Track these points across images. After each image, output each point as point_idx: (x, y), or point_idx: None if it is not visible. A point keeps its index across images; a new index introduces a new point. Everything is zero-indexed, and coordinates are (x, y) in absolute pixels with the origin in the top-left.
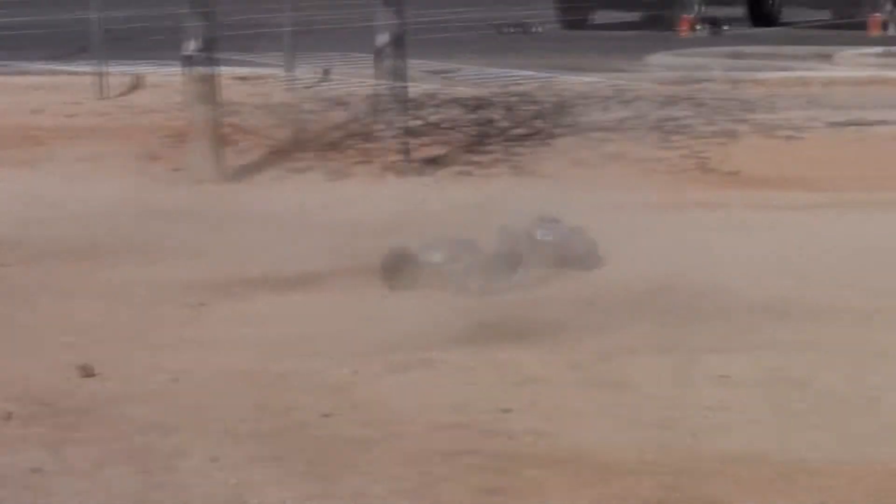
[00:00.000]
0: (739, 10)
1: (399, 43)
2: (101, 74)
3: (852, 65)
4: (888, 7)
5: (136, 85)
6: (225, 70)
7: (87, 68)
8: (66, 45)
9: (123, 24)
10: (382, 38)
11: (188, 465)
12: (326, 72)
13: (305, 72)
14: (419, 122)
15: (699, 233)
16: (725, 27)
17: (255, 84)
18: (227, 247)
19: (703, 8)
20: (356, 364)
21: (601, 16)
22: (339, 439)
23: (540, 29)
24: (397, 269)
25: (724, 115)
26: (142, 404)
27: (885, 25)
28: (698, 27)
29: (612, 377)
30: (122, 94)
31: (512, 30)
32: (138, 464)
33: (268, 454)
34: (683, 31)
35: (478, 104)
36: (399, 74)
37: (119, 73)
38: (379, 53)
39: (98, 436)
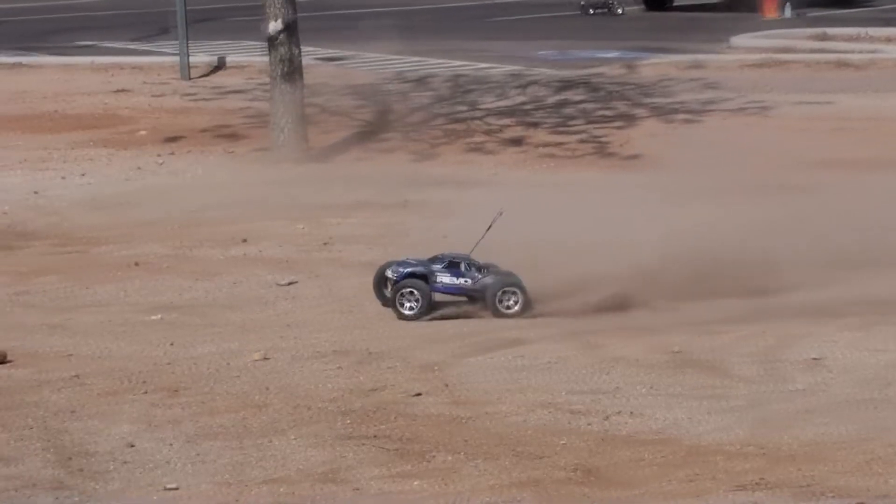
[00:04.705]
0: None
1: (292, 30)
2: (185, 55)
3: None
4: None
5: (219, 65)
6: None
7: (171, 49)
8: (149, 26)
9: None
10: (275, 26)
11: (282, 442)
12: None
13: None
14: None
15: None
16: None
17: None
18: None
19: None
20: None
21: None
22: (430, 418)
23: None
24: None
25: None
26: (234, 382)
27: (781, 7)
28: None
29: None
30: (204, 75)
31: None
32: (233, 440)
33: (360, 432)
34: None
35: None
36: (293, 62)
37: (202, 53)
38: (272, 41)
39: (191, 412)
